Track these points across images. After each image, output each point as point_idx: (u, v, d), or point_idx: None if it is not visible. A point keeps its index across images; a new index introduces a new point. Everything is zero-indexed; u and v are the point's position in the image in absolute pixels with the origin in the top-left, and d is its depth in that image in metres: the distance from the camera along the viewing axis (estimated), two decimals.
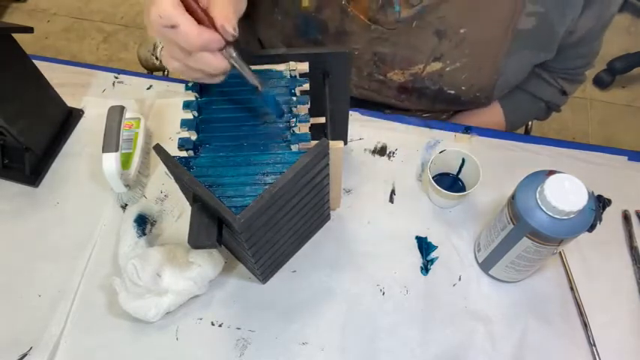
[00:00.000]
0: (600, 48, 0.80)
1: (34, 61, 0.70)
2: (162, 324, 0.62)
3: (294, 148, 0.52)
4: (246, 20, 0.79)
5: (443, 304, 0.63)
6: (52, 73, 0.74)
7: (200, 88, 0.55)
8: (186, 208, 0.70)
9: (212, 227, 0.48)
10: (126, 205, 0.70)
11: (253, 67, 0.55)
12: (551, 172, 0.51)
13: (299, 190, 0.52)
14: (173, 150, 0.51)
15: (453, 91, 0.76)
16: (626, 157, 0.73)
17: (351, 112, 0.74)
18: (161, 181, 0.72)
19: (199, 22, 0.43)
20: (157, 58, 1.06)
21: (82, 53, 1.95)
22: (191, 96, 0.55)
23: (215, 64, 0.45)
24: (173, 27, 0.42)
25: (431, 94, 0.77)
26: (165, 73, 1.09)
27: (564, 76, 0.83)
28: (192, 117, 0.54)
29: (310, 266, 0.65)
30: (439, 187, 0.64)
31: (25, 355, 0.61)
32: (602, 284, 0.64)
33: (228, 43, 0.45)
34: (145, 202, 0.71)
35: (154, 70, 1.12)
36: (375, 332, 0.61)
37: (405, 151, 0.74)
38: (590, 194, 0.50)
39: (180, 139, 0.52)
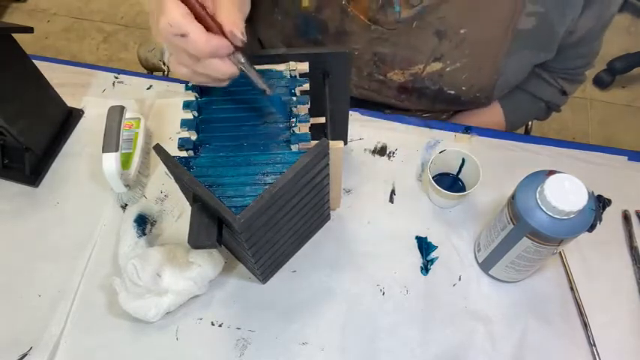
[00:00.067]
0: (600, 48, 0.80)
1: (34, 61, 0.70)
2: (162, 324, 0.62)
3: (294, 148, 0.52)
4: (247, 20, 0.79)
5: (443, 304, 0.63)
6: (52, 73, 0.74)
7: (200, 89, 0.55)
8: (186, 208, 0.70)
9: (212, 227, 0.48)
10: (126, 205, 0.70)
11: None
12: (551, 172, 0.51)
13: (299, 190, 0.52)
14: (173, 150, 0.51)
15: (453, 91, 0.76)
16: (626, 157, 0.73)
17: (351, 112, 0.74)
18: (161, 181, 0.72)
19: (208, 29, 0.44)
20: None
21: (82, 53, 1.95)
22: (191, 96, 0.55)
23: (224, 70, 0.46)
24: (183, 35, 0.43)
25: (431, 94, 0.77)
26: (166, 73, 1.10)
27: (564, 76, 0.83)
28: (192, 117, 0.54)
29: (310, 266, 0.65)
30: (439, 187, 0.64)
31: (25, 355, 0.61)
32: (602, 284, 0.64)
33: (236, 49, 0.46)
34: (145, 202, 0.71)
35: (154, 70, 1.12)
36: (375, 332, 0.61)
37: (405, 151, 0.74)
38: (590, 194, 0.50)
39: (180, 139, 0.52)
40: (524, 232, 0.52)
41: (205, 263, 0.60)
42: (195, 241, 0.48)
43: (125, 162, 0.69)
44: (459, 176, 0.70)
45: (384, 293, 0.64)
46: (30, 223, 0.70)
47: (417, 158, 0.73)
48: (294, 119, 0.53)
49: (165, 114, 0.78)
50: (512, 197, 0.54)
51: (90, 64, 0.85)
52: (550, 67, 0.81)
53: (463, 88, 0.75)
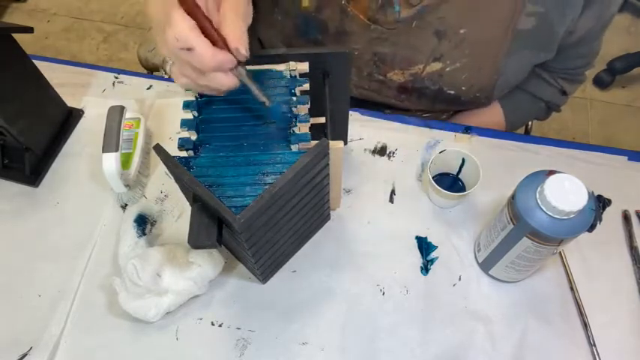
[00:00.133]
0: (600, 48, 0.80)
1: (34, 61, 0.70)
2: (162, 324, 0.62)
3: (294, 148, 0.52)
4: None
5: (443, 304, 0.63)
6: (52, 73, 0.74)
7: None
8: (186, 208, 0.70)
9: (212, 227, 0.48)
10: (126, 205, 0.70)
11: (253, 68, 0.55)
12: (551, 172, 0.51)
13: (299, 190, 0.52)
14: (173, 150, 0.51)
15: (452, 91, 0.76)
16: (626, 157, 0.73)
17: (351, 112, 0.74)
18: (161, 181, 0.72)
19: (213, 43, 0.44)
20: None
21: (82, 53, 1.95)
22: (191, 96, 0.55)
23: (226, 83, 0.47)
24: (189, 49, 0.43)
25: (431, 94, 0.77)
26: (167, 75, 1.10)
27: (564, 76, 0.83)
28: (192, 117, 0.54)
29: (310, 266, 0.65)
30: (439, 187, 0.64)
31: (25, 355, 0.61)
32: (602, 284, 0.64)
33: (239, 63, 0.46)
34: (145, 202, 0.71)
35: (153, 70, 1.12)
36: (375, 332, 0.61)
37: (405, 151, 0.74)
38: (590, 194, 0.50)
39: (180, 139, 0.52)
40: (524, 232, 0.52)
41: (205, 263, 0.60)
42: (195, 241, 0.48)
43: (125, 162, 0.69)
44: (459, 176, 0.70)
45: (384, 293, 0.64)
46: (30, 223, 0.70)
47: (417, 158, 0.73)
48: (294, 119, 0.53)
49: (165, 114, 0.78)
50: (512, 197, 0.54)
51: (90, 64, 0.85)
52: (550, 67, 0.81)
53: (463, 88, 0.75)
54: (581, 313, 0.62)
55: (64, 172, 0.74)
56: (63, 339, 0.61)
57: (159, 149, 0.50)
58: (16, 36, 0.65)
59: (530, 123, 1.01)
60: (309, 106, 0.54)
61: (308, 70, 0.56)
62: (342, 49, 0.56)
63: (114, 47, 1.97)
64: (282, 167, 0.51)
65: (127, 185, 0.68)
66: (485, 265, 0.64)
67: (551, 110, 0.89)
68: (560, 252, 0.66)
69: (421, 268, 0.65)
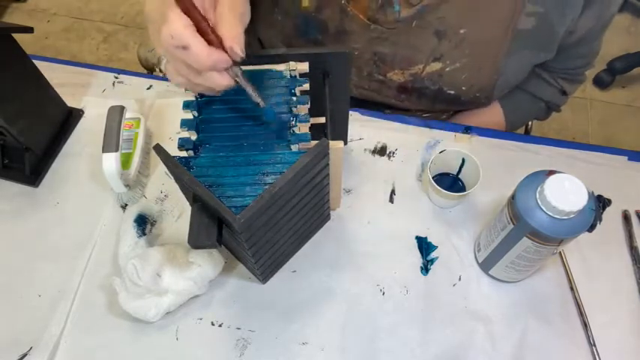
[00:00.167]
0: (600, 48, 0.80)
1: (34, 61, 0.70)
2: (162, 324, 0.62)
3: (294, 148, 0.52)
4: None
5: (443, 304, 0.63)
6: (52, 73, 0.74)
7: None
8: (186, 208, 0.70)
9: (212, 227, 0.48)
10: (126, 205, 0.70)
11: (253, 68, 0.55)
12: (551, 172, 0.51)
13: (299, 190, 0.52)
14: (173, 150, 0.51)
15: (452, 91, 0.76)
16: (626, 157, 0.73)
17: (351, 112, 0.74)
18: (161, 181, 0.72)
19: (209, 42, 0.44)
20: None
21: (82, 53, 1.95)
22: (191, 96, 0.55)
23: (221, 82, 0.46)
24: (184, 48, 0.43)
25: (431, 94, 0.77)
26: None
27: (564, 76, 0.83)
28: (192, 117, 0.54)
29: (310, 266, 0.65)
30: (439, 187, 0.64)
31: (25, 355, 0.61)
32: (602, 284, 0.64)
33: (234, 62, 0.46)
34: (145, 202, 0.71)
35: (154, 70, 1.12)
36: (375, 332, 0.61)
37: (405, 151, 0.74)
38: (590, 194, 0.50)
39: (180, 139, 0.52)
40: (524, 232, 0.52)
41: (205, 263, 0.60)
42: (195, 241, 0.48)
43: (125, 162, 0.69)
44: (459, 176, 0.70)
45: (384, 293, 0.64)
46: (30, 223, 0.70)
47: (417, 158, 0.73)
48: (294, 119, 0.53)
49: (165, 114, 0.78)
50: (512, 197, 0.54)
51: (90, 64, 0.85)
52: (550, 67, 0.81)
53: (463, 88, 0.75)
54: (581, 313, 0.62)
55: (64, 172, 0.74)
56: (63, 339, 0.61)
57: (159, 149, 0.50)
58: (16, 36, 0.65)
59: (530, 123, 1.01)
60: (309, 106, 0.54)
61: (308, 70, 0.56)
62: (342, 49, 0.56)
63: (114, 47, 1.97)
64: (282, 167, 0.51)
65: (127, 185, 0.68)
66: (485, 265, 0.64)
67: (551, 110, 0.89)
68: (560, 252, 0.66)
69: (421, 268, 0.65)
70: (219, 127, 0.54)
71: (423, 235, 0.67)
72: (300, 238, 0.64)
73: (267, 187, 0.48)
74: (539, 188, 0.50)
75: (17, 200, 0.71)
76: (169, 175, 0.73)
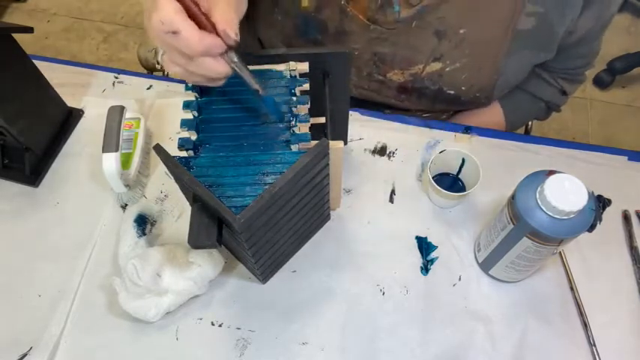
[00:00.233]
0: (600, 48, 0.80)
1: (34, 61, 0.70)
2: (162, 324, 0.62)
3: (294, 148, 0.52)
4: (246, 20, 0.79)
5: (443, 304, 0.63)
6: (52, 73, 0.74)
7: (200, 89, 0.55)
8: (186, 208, 0.70)
9: (212, 227, 0.48)
10: (126, 205, 0.70)
11: (254, 68, 0.55)
12: (551, 172, 0.51)
13: (299, 190, 0.52)
14: (173, 150, 0.51)
15: (452, 91, 0.76)
16: (626, 157, 0.73)
17: (351, 112, 0.74)
18: (161, 181, 0.72)
19: (201, 27, 0.43)
20: (157, 63, 1.06)
21: (82, 53, 1.95)
22: (191, 96, 0.55)
23: (216, 69, 0.45)
24: (174, 33, 0.42)
25: (431, 94, 0.77)
26: (166, 73, 1.09)
27: (564, 76, 0.83)
28: (192, 117, 0.54)
29: (310, 266, 0.65)
30: (439, 187, 0.64)
31: (25, 355, 0.61)
32: (602, 284, 0.64)
33: (229, 48, 0.45)
34: (145, 202, 0.71)
35: (154, 70, 1.12)
36: (375, 332, 0.61)
37: (405, 151, 0.74)
38: (590, 194, 0.50)
39: (180, 139, 0.52)
40: (524, 232, 0.52)
41: (205, 263, 0.60)
42: (195, 241, 0.48)
43: (125, 162, 0.69)
44: (459, 176, 0.70)
45: (384, 293, 0.64)
46: (30, 223, 0.70)
47: (417, 158, 0.73)
48: (294, 119, 0.53)
49: (165, 114, 0.78)
50: (512, 197, 0.54)
51: (90, 64, 0.85)
52: (550, 67, 0.81)
53: (463, 88, 0.75)
54: (581, 313, 0.62)
55: (64, 172, 0.74)
56: (63, 339, 0.61)
57: (159, 149, 0.50)
58: (16, 36, 0.65)
59: (530, 123, 1.01)
60: (309, 106, 0.54)
61: (308, 70, 0.56)
62: (342, 49, 0.56)
63: (114, 47, 1.97)
64: (282, 167, 0.51)
65: (127, 185, 0.68)
66: (485, 265, 0.64)
67: (551, 110, 0.89)
68: (560, 252, 0.66)
69: (421, 268, 0.65)
70: (219, 127, 0.54)
71: (423, 235, 0.67)
72: (300, 238, 0.64)
73: (267, 187, 0.48)
74: (539, 188, 0.50)
75: (17, 200, 0.71)
76: (169, 175, 0.73)
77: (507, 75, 0.74)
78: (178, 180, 0.53)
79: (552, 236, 0.50)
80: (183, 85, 0.55)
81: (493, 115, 0.85)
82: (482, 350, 0.60)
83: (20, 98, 0.68)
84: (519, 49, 0.71)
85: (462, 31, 0.69)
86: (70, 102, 0.78)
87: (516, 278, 0.63)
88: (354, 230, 0.68)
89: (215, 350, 0.61)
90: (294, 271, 0.65)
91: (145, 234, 0.66)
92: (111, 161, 0.64)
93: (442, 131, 0.76)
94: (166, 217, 0.69)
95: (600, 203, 0.52)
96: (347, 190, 0.71)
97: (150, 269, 0.59)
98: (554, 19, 0.68)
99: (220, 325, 0.62)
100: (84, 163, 0.74)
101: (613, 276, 0.65)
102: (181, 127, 0.52)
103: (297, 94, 0.54)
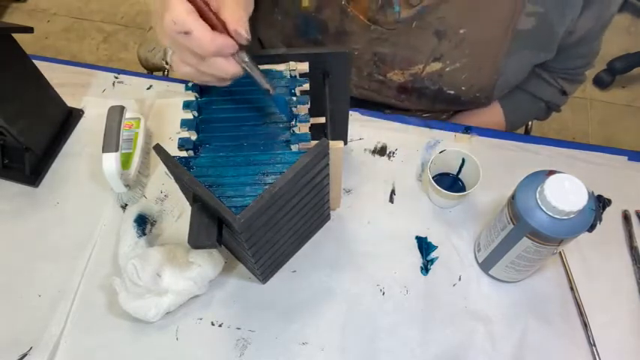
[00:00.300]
0: (600, 48, 0.80)
1: (34, 61, 0.70)
2: (162, 324, 0.62)
3: (294, 148, 0.52)
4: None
5: (443, 304, 0.63)
6: (52, 73, 0.74)
7: (200, 88, 0.55)
8: (186, 208, 0.70)
9: (212, 227, 0.48)
10: (126, 205, 0.70)
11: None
12: (551, 172, 0.51)
13: (299, 190, 0.52)
14: (173, 150, 0.51)
15: (452, 91, 0.76)
16: (626, 157, 0.73)
17: (351, 112, 0.74)
18: (161, 181, 0.72)
19: (212, 27, 0.43)
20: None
21: (82, 53, 1.95)
22: (191, 96, 0.55)
23: (228, 69, 0.46)
24: (187, 33, 0.42)
25: (431, 94, 0.77)
26: (166, 73, 1.10)
27: (564, 76, 0.83)
28: (192, 117, 0.54)
29: (310, 266, 0.65)
30: (439, 187, 0.64)
31: (25, 355, 0.61)
32: (602, 284, 0.64)
33: (240, 48, 0.45)
34: (145, 202, 0.71)
35: (154, 70, 1.12)
36: (375, 332, 0.61)
37: (405, 151, 0.74)
38: (590, 194, 0.50)
39: (180, 139, 0.52)
40: (524, 232, 0.52)
41: (205, 263, 0.60)
42: (195, 241, 0.48)
43: (125, 162, 0.69)
44: (459, 176, 0.70)
45: (384, 293, 0.64)
46: (30, 223, 0.70)
47: (417, 158, 0.73)
48: (294, 119, 0.53)
49: (165, 114, 0.78)
50: (512, 197, 0.54)
51: (90, 64, 0.85)
52: (550, 67, 0.81)
53: (463, 88, 0.75)
54: (581, 313, 0.62)
55: (64, 172, 0.74)
56: (63, 339, 0.61)
57: (159, 149, 0.50)
58: (16, 36, 0.65)
59: (530, 123, 1.01)
60: (309, 106, 0.54)
61: (308, 70, 0.56)
62: (342, 49, 0.56)
63: (114, 47, 1.97)
64: (282, 167, 0.51)
65: (127, 185, 0.68)
66: (485, 265, 0.64)
67: (551, 110, 0.89)
68: (560, 252, 0.66)
69: (421, 268, 0.65)
70: (219, 127, 0.54)
71: (423, 235, 0.67)
72: (300, 238, 0.64)
73: (267, 187, 0.48)
74: (539, 188, 0.50)
75: (17, 200, 0.71)
76: (169, 175, 0.73)
77: (507, 75, 0.74)
78: (178, 180, 0.53)
79: (552, 236, 0.50)
80: (184, 85, 0.55)
81: (493, 115, 0.85)
82: (482, 350, 0.60)
83: (20, 98, 0.68)
84: (519, 49, 0.71)
85: (462, 31, 0.69)
86: (70, 102, 0.78)
87: (516, 278, 0.63)
88: (354, 230, 0.68)
89: (215, 350, 0.61)
90: (294, 271, 0.65)
91: (145, 234, 0.66)
92: (111, 161, 0.64)
93: (442, 131, 0.76)
94: (166, 217, 0.69)
95: (600, 203, 0.52)
96: (347, 190, 0.71)
97: (150, 269, 0.59)
98: (554, 19, 0.68)
99: (220, 325, 0.62)
100: (84, 163, 0.74)
101: (613, 276, 0.65)
102: (181, 127, 0.52)
103: (297, 94, 0.54)
